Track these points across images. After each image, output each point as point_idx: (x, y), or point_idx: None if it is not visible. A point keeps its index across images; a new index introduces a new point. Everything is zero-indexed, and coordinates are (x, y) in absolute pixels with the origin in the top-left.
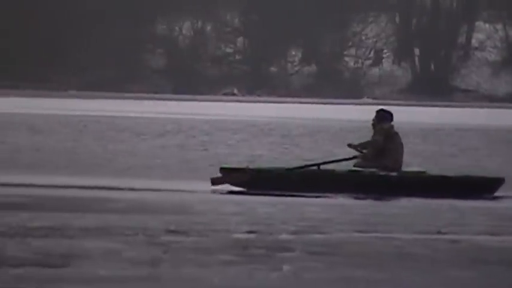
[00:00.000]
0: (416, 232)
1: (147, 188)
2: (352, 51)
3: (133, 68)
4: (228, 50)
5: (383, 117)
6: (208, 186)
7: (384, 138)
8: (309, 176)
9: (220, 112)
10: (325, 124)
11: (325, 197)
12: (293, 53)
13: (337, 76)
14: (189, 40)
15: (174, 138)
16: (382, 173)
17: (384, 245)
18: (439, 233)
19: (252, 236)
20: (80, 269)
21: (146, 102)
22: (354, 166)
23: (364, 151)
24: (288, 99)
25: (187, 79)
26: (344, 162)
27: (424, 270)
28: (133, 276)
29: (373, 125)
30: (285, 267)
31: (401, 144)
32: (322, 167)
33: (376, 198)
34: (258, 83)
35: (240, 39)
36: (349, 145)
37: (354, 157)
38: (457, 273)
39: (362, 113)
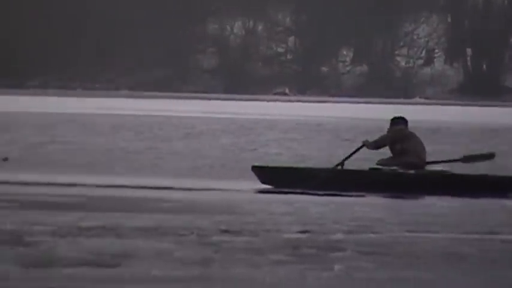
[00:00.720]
0: (466, 232)
1: (198, 187)
2: (404, 51)
3: (185, 68)
4: (279, 50)
5: (396, 123)
6: (257, 185)
7: (393, 135)
8: (333, 174)
9: (271, 112)
10: (376, 124)
11: (348, 195)
12: (344, 52)
13: (389, 76)
14: (241, 40)
15: (224, 138)
16: (402, 171)
17: (434, 245)
18: (491, 233)
19: (303, 235)
20: (132, 269)
21: (197, 101)
22: (376, 164)
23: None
24: (339, 99)
25: (238, 79)
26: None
27: (475, 270)
28: (184, 276)
29: (388, 130)
30: (337, 267)
31: (420, 142)
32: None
33: (420, 198)
34: (309, 82)
35: (291, 39)
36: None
37: (364, 145)
38: (507, 273)
39: (414, 113)
